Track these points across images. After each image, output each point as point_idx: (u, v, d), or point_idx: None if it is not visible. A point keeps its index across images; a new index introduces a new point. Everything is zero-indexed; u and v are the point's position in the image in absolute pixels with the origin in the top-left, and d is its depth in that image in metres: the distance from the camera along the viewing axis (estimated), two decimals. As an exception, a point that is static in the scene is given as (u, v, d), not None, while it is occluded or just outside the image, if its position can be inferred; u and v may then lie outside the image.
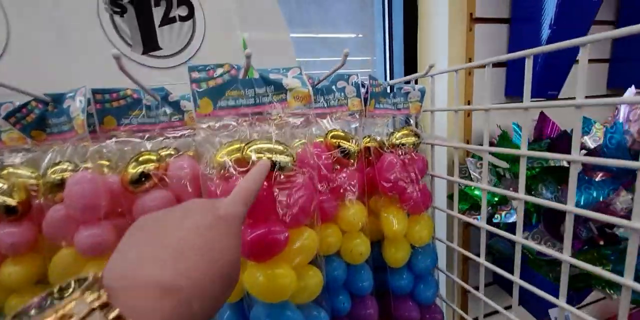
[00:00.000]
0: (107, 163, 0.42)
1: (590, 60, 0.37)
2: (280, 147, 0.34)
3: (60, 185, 0.37)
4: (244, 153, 0.34)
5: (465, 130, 0.70)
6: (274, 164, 0.33)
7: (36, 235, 0.39)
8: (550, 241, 0.48)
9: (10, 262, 0.37)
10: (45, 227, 0.37)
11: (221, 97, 0.35)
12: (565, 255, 0.34)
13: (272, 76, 0.37)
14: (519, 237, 0.40)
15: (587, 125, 0.58)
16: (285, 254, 0.33)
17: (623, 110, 0.49)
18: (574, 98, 0.32)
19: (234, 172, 0.34)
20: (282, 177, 0.34)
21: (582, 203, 0.44)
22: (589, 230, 0.45)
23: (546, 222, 0.48)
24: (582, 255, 0.43)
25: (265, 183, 0.33)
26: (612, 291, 0.44)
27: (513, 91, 0.69)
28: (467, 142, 0.67)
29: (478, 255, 0.46)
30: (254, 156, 0.33)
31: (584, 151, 0.55)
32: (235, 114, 0.35)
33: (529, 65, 0.36)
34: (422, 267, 0.47)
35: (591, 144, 0.56)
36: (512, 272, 0.43)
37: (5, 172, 0.39)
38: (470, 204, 0.60)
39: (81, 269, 0.37)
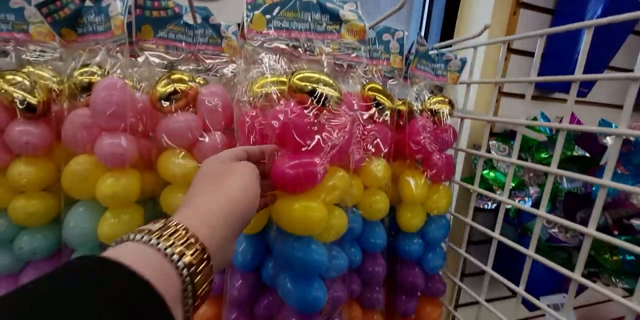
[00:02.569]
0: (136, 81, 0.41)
1: None
2: (330, 80, 0.34)
3: (86, 89, 0.36)
4: (291, 81, 0.34)
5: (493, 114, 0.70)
6: (320, 96, 0.33)
7: (52, 141, 0.38)
8: (562, 227, 0.49)
9: (22, 161, 0.37)
10: (64, 131, 0.37)
11: (276, 15, 0.34)
12: (590, 229, 0.36)
13: (329, 5, 0.36)
14: (542, 211, 0.41)
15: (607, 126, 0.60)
16: (318, 190, 0.33)
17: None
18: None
19: (277, 101, 0.34)
20: (326, 111, 0.34)
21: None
22: (605, 219, 0.47)
23: (565, 207, 0.50)
24: (594, 242, 0.45)
25: (311, 114, 0.33)
26: (617, 280, 0.46)
27: (544, 83, 0.71)
28: (492, 129, 0.67)
29: (482, 241, 0.47)
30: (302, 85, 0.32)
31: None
32: (287, 36, 0.35)
33: (587, 37, 0.37)
34: (435, 237, 0.48)
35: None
36: (514, 260, 0.44)
37: (26, 69, 0.38)
38: (483, 188, 0.62)
39: (96, 178, 0.36)
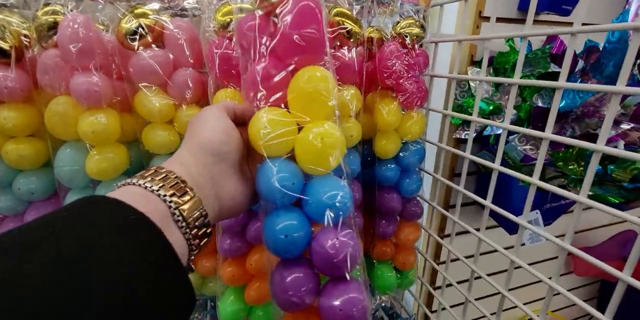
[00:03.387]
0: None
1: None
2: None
3: (52, 28, 0.38)
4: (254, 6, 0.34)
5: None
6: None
7: (31, 86, 0.41)
8: (535, 144, 0.52)
9: (5, 107, 0.39)
10: (39, 73, 0.39)
11: None
12: (547, 133, 0.38)
13: None
14: (506, 124, 0.43)
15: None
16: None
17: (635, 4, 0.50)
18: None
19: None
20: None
21: (575, 104, 0.47)
22: (573, 131, 0.49)
23: (534, 121, 0.52)
24: (561, 154, 0.47)
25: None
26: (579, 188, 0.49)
27: (526, 5, 0.69)
28: (472, 55, 0.67)
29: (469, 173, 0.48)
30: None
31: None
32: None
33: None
34: (409, 162, 0.50)
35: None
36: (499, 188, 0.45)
37: (-7, 15, 0.39)
38: (463, 120, 0.63)
39: (77, 118, 0.39)
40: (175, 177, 0.25)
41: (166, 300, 0.21)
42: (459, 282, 0.55)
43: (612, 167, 0.45)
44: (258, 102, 0.31)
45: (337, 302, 0.30)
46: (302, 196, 0.31)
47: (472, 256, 0.50)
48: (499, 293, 0.46)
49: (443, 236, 0.82)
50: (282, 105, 0.32)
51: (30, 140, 0.42)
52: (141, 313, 0.19)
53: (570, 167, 0.47)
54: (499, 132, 0.58)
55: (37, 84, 0.40)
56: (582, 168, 0.47)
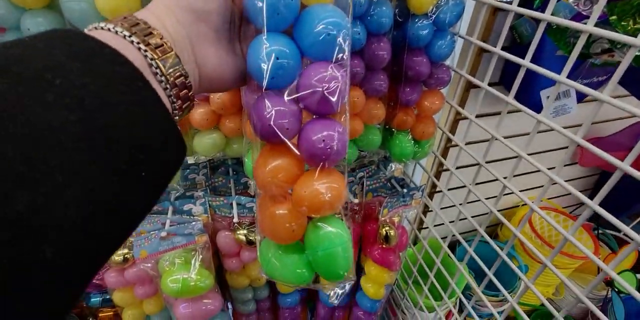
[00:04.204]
0: None
1: None
2: None
3: None
4: None
5: None
6: None
7: None
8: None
9: None
10: None
11: None
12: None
13: None
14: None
15: None
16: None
17: None
18: None
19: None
20: None
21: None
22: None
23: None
24: (618, 6, 0.43)
25: None
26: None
27: None
28: None
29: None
30: None
31: None
32: None
33: None
34: (446, 19, 0.47)
35: None
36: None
37: None
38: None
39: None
40: (150, 28, 0.23)
41: (153, 127, 0.20)
42: (467, 166, 0.58)
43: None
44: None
45: (319, 135, 0.29)
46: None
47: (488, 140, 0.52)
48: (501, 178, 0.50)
49: (460, 119, 0.83)
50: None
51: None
52: (125, 143, 0.18)
53: (623, 23, 0.43)
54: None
55: None
56: (638, 24, 0.43)
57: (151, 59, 0.22)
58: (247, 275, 0.74)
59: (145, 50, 0.22)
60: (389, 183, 0.73)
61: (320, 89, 0.28)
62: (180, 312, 0.58)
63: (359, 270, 0.81)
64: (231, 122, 0.51)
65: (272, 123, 0.28)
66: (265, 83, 0.27)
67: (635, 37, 0.31)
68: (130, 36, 0.21)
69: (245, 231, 0.65)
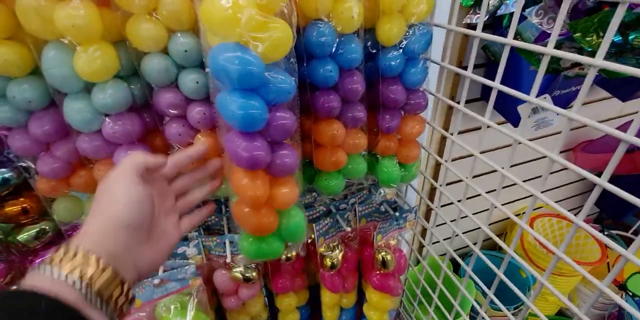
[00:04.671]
0: None
1: None
2: None
3: None
4: None
5: None
6: None
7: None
8: (553, 18, 0.49)
9: None
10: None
11: None
12: None
13: None
14: None
15: None
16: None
17: None
18: None
19: None
20: None
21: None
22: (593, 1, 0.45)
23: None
24: (581, 23, 0.44)
25: None
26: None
27: None
28: None
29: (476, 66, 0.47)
30: None
31: None
32: None
33: None
34: (415, 48, 0.48)
35: None
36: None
37: None
38: (474, 1, 0.58)
39: (52, 11, 0.36)
40: (87, 255, 0.27)
41: None
42: (458, 181, 0.58)
43: (634, 36, 0.43)
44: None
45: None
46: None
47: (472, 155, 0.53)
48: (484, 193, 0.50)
49: (446, 137, 0.84)
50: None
51: (11, 43, 0.40)
52: None
53: (588, 38, 0.45)
54: (514, 9, 0.54)
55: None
56: (601, 39, 0.45)
57: (87, 288, 0.25)
58: (247, 312, 0.73)
59: (86, 287, 0.25)
60: (381, 207, 0.73)
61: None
62: (180, 359, 0.56)
63: (361, 297, 0.80)
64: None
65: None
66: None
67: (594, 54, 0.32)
68: (67, 275, 0.25)
69: (241, 268, 0.64)
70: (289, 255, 0.70)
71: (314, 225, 0.62)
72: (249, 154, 0.36)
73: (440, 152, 0.85)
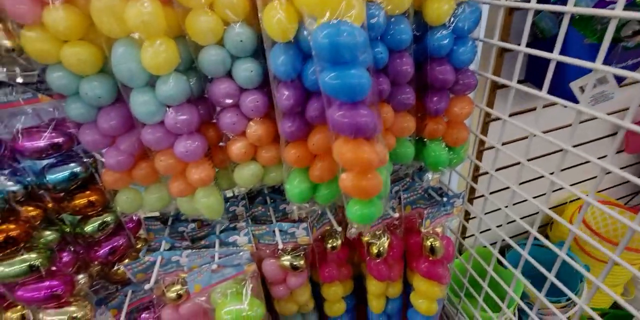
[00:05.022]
0: None
1: None
2: None
3: None
4: None
5: None
6: None
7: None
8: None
9: (50, 10, 0.39)
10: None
11: None
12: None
13: None
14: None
15: None
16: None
17: None
18: None
19: None
20: None
21: None
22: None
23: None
24: None
25: None
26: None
27: None
28: None
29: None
30: None
31: None
32: None
33: None
34: (464, 26, 0.48)
35: None
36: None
37: None
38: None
39: (123, 9, 0.39)
40: None
41: None
42: (506, 167, 0.57)
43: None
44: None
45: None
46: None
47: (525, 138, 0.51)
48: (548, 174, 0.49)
49: (490, 121, 0.82)
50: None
51: (84, 43, 0.43)
52: None
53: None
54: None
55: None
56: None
57: None
58: (295, 301, 0.74)
59: None
60: (426, 194, 0.72)
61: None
62: (236, 343, 0.58)
63: (407, 287, 0.80)
64: (267, 151, 0.54)
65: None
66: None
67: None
68: None
69: (289, 257, 0.66)
70: (334, 244, 0.71)
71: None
72: (362, 120, 0.39)
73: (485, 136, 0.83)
